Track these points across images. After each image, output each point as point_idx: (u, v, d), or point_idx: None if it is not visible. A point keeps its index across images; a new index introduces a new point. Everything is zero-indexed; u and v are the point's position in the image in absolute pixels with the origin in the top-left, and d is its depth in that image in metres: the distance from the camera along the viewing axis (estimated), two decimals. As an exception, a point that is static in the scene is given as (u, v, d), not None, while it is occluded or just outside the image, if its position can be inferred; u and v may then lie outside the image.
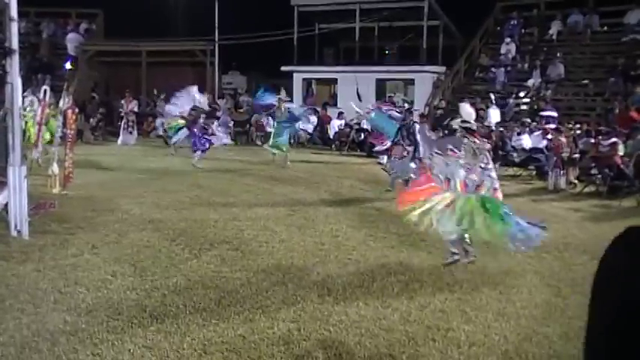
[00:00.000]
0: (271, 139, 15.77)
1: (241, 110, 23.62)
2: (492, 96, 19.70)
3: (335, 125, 21.25)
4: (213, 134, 15.37)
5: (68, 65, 21.42)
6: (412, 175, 10.86)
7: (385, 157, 12.53)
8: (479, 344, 5.00)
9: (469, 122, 7.11)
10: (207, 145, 15.13)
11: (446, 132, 18.09)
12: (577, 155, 13.86)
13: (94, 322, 5.16)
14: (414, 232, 8.71)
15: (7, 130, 7.79)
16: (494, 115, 18.34)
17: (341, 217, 9.64)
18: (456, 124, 7.23)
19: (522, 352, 4.89)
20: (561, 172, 13.37)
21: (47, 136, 12.49)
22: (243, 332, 5.06)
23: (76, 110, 12.47)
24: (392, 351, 4.82)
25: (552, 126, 16.68)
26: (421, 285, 6.42)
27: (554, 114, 17.85)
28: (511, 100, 20.32)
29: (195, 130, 15.18)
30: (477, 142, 7.03)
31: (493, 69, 22.16)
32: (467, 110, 7.25)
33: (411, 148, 11.11)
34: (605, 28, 22.14)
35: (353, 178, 14.03)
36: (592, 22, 21.76)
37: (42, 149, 12.39)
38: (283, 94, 16.05)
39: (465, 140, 6.95)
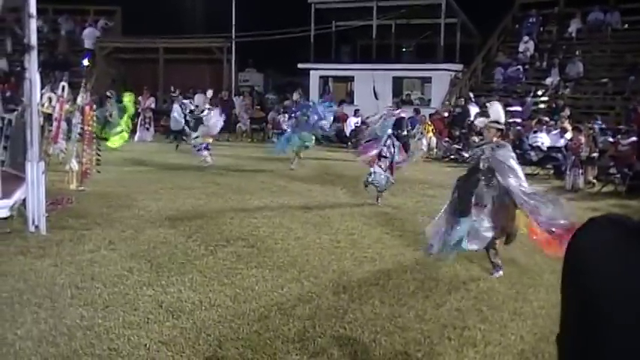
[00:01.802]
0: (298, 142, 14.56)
1: (258, 107, 23.65)
2: (471, 94, 19.74)
3: (351, 123, 21.19)
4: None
5: (85, 62, 21.56)
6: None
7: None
8: (495, 344, 4.97)
9: (498, 122, 6.83)
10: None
11: (463, 131, 18.23)
12: (596, 154, 13.72)
13: (110, 317, 5.18)
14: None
15: (26, 126, 7.85)
16: (473, 111, 18.08)
17: (357, 215, 9.62)
18: (482, 122, 7.02)
19: (539, 352, 4.85)
20: (580, 171, 13.23)
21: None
22: (259, 329, 5.06)
23: (94, 107, 12.54)
24: (407, 349, 4.80)
25: (518, 120, 16.81)
26: (437, 283, 6.39)
27: (520, 108, 18.00)
28: (529, 99, 20.19)
29: None
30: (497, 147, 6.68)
31: (500, 68, 22.20)
32: (497, 109, 6.97)
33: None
34: (626, 25, 21.88)
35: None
36: (612, 19, 21.53)
37: (64, 145, 12.46)
38: (297, 95, 15.65)
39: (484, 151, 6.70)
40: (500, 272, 6.72)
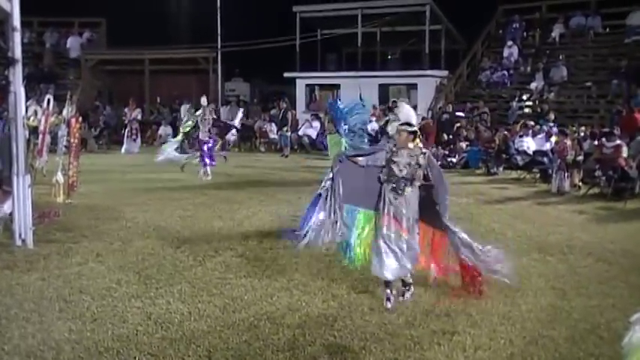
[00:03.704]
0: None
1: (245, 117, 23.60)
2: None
3: (338, 131, 21.18)
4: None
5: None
6: None
7: None
8: (484, 348, 4.99)
9: (409, 124, 6.00)
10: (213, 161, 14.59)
11: (451, 137, 18.38)
12: (581, 158, 13.81)
13: (99, 330, 5.16)
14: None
15: (11, 140, 7.81)
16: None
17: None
18: (393, 129, 6.27)
19: (528, 356, 4.87)
20: (566, 174, 13.32)
21: None
22: (248, 338, 5.05)
23: (80, 119, 12.50)
24: (397, 355, 4.81)
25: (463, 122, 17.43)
26: (426, 289, 6.39)
27: (462, 114, 19.28)
28: (514, 103, 20.34)
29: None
30: (417, 151, 6.01)
31: (485, 73, 22.47)
32: (406, 111, 6.23)
33: None
34: (608, 29, 22.15)
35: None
36: (594, 24, 21.78)
37: (47, 158, 12.41)
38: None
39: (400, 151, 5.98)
40: (389, 304, 5.89)
